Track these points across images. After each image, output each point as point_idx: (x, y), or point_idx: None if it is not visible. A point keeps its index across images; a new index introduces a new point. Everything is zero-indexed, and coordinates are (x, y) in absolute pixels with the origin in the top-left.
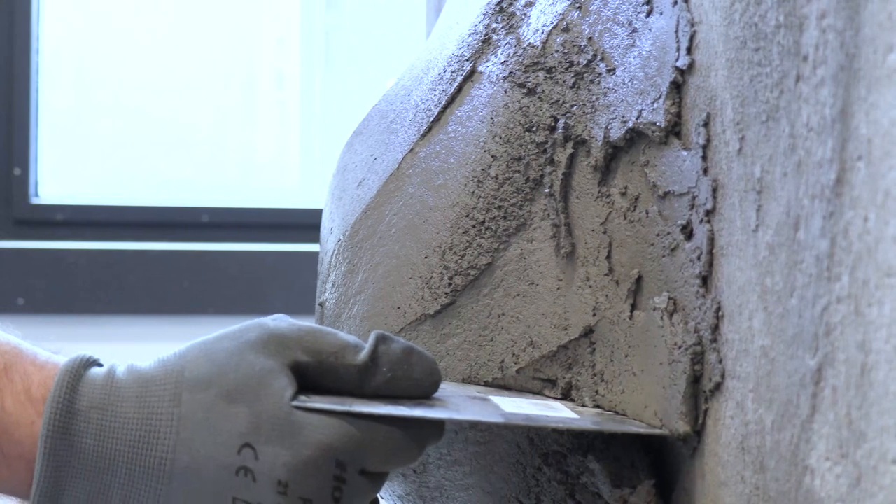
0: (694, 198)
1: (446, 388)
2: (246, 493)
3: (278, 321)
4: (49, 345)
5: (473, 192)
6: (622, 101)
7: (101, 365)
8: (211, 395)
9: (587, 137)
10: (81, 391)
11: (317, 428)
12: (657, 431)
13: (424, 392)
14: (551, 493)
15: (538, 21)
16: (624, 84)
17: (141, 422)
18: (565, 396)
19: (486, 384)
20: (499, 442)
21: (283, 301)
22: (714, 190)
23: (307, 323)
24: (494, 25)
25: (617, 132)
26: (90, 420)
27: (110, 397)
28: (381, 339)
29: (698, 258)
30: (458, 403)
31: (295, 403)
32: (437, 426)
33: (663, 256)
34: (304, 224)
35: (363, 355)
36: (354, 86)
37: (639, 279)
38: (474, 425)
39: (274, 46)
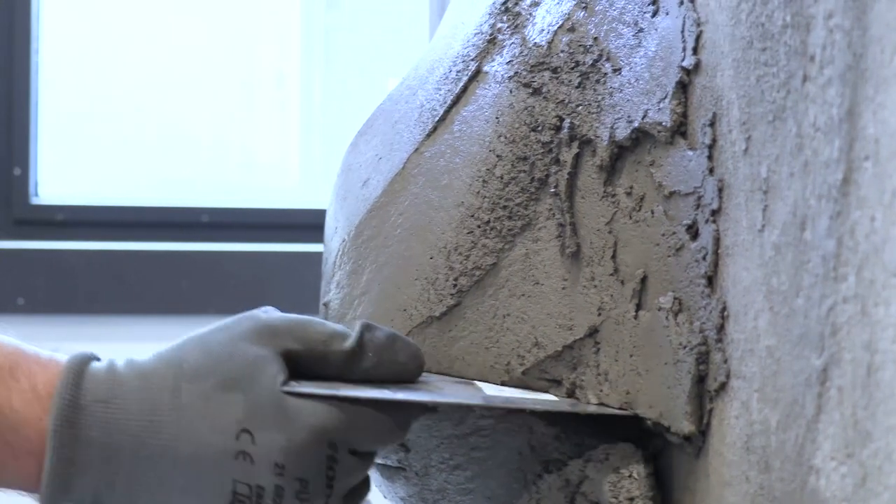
0: (700, 198)
1: (432, 376)
2: (246, 475)
3: (269, 312)
4: (50, 345)
5: (478, 192)
6: (628, 100)
7: (100, 360)
8: (208, 384)
9: (593, 137)
10: (85, 386)
11: (309, 412)
12: (629, 412)
13: (409, 376)
14: (552, 501)
15: (543, 21)
16: (629, 84)
17: (143, 413)
18: (570, 396)
19: None
20: (500, 448)
21: (284, 301)
22: (720, 190)
23: (295, 314)
24: (500, 25)
25: (622, 132)
26: (95, 414)
27: (113, 391)
28: (366, 328)
29: (704, 258)
30: (440, 387)
31: (286, 389)
32: (419, 408)
33: (669, 256)
34: (305, 224)
35: (350, 342)
36: (354, 86)
37: (644, 279)
38: (475, 429)
39: (274, 46)
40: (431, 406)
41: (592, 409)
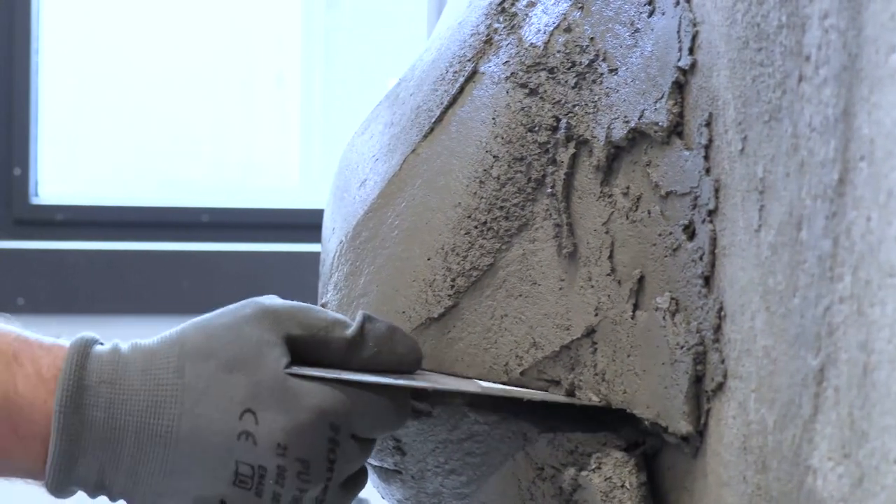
0: (696, 198)
1: (430, 372)
2: (248, 455)
3: (272, 299)
4: None
5: (475, 193)
6: (624, 101)
7: (102, 344)
8: (211, 365)
9: (589, 137)
10: (90, 367)
11: (312, 394)
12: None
13: (407, 367)
14: None
15: (540, 21)
16: (626, 84)
17: (147, 393)
18: (569, 396)
19: None
20: (494, 454)
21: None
22: (716, 190)
23: (298, 301)
24: (496, 25)
25: (619, 132)
26: (100, 394)
27: (117, 371)
28: (367, 318)
29: (700, 258)
30: (438, 379)
31: (289, 371)
32: (418, 397)
33: (665, 256)
34: (305, 224)
35: (352, 330)
36: (354, 86)
37: (641, 279)
38: (469, 434)
39: (274, 46)
40: (431, 392)
41: (585, 401)
